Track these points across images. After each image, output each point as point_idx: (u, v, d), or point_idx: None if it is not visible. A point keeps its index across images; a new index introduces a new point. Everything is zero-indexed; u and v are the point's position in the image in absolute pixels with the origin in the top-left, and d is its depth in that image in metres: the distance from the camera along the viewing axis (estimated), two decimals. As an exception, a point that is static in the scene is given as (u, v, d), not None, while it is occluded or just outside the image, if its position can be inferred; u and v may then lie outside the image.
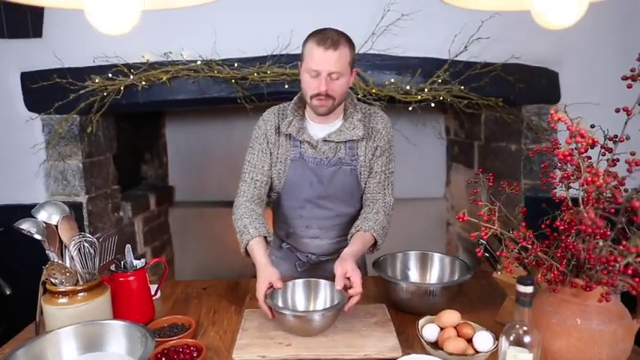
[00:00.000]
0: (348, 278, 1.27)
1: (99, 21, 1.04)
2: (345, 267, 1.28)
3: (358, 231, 1.46)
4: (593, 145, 0.90)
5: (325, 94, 1.38)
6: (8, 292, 2.15)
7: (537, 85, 2.29)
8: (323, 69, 1.35)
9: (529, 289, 0.82)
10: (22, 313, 1.37)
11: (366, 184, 1.58)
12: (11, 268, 2.12)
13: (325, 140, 1.51)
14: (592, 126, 0.94)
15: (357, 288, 1.25)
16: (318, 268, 1.67)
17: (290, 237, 1.65)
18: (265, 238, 1.43)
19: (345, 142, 1.51)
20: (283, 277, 1.33)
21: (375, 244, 1.50)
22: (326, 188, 1.54)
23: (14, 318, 1.46)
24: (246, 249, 1.42)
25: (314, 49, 1.35)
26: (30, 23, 2.18)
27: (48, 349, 1.00)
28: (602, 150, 0.96)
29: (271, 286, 1.27)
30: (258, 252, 1.37)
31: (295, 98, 1.54)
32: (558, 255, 0.94)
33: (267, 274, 1.29)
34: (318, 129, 1.52)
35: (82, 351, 1.03)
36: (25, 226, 1.13)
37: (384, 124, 1.56)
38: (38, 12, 2.17)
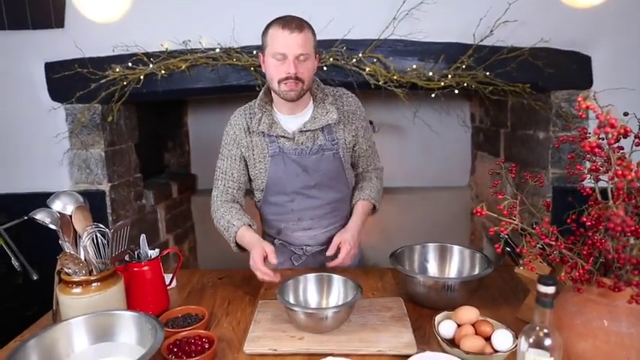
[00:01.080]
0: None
1: (87, 7, 1.02)
2: (342, 237, 1.44)
3: (357, 202, 1.59)
4: (625, 135, 0.84)
5: (295, 77, 1.37)
6: (35, 278, 2.23)
7: (568, 70, 2.18)
8: (290, 52, 1.35)
9: (551, 290, 0.77)
10: (50, 297, 1.40)
11: (354, 163, 1.66)
12: (37, 254, 2.18)
13: (301, 131, 1.49)
14: (625, 114, 0.87)
15: (338, 259, 1.41)
16: (313, 259, 1.66)
17: (282, 233, 1.64)
18: (250, 226, 1.49)
19: (322, 128, 1.50)
20: (282, 270, 1.35)
21: (374, 208, 1.65)
22: (312, 177, 1.52)
23: (42, 302, 1.50)
24: (236, 243, 1.49)
25: (278, 33, 1.35)
26: (53, 14, 2.20)
27: (59, 340, 1.00)
28: (636, 140, 0.89)
29: (265, 256, 1.34)
30: (248, 235, 1.44)
31: (260, 94, 1.53)
32: (584, 252, 0.88)
33: (260, 246, 1.37)
34: (290, 121, 1.51)
35: (93, 341, 1.04)
36: (40, 216, 1.14)
37: (356, 104, 1.59)
38: (60, 2, 2.19)
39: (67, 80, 2.22)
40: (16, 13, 2.18)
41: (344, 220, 1.60)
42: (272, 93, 1.51)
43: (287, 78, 1.37)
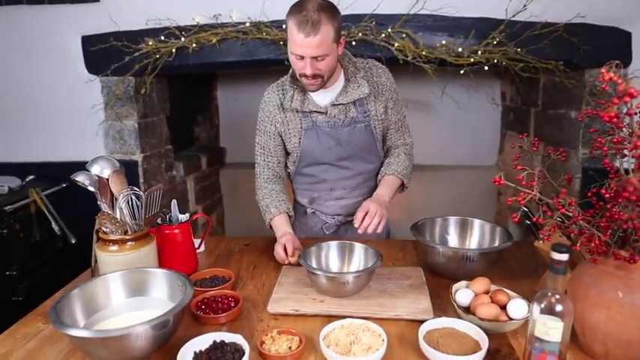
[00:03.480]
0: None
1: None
2: (367, 206, 1.40)
3: (383, 176, 1.58)
4: (649, 108, 0.83)
5: (312, 75, 1.38)
6: (73, 241, 2.36)
7: (605, 46, 2.11)
8: (306, 54, 1.33)
9: (563, 257, 0.79)
10: (87, 260, 1.49)
11: (383, 136, 1.63)
12: (75, 220, 2.31)
13: (333, 104, 1.51)
14: (653, 87, 0.86)
15: (363, 224, 1.38)
16: (345, 228, 1.70)
17: (314, 202, 1.68)
18: (287, 214, 1.56)
19: (354, 101, 1.51)
20: (313, 238, 1.40)
21: (402, 185, 1.63)
22: (345, 149, 1.55)
23: (79, 264, 1.59)
24: (269, 225, 1.59)
25: (295, 34, 1.31)
26: (89, -13, 2.26)
27: (99, 291, 1.08)
28: (661, 114, 0.88)
29: (285, 249, 1.42)
30: (280, 225, 1.53)
31: (291, 71, 1.53)
32: (602, 224, 0.89)
33: (284, 238, 1.45)
34: (321, 95, 1.52)
35: (129, 295, 1.11)
36: (80, 178, 1.21)
37: (386, 76, 1.58)
38: (96, -24, 2.25)
39: (102, 53, 2.30)
40: (54, -13, 2.26)
41: (373, 190, 1.62)
42: None
43: (305, 75, 1.39)
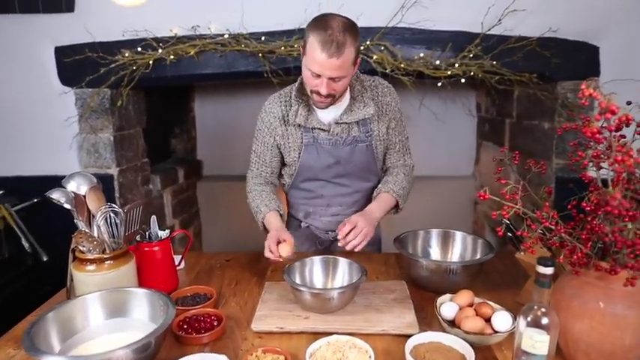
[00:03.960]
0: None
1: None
2: (355, 220, 1.38)
3: (379, 193, 1.54)
4: (627, 123, 0.86)
5: (326, 95, 1.35)
6: (45, 259, 2.28)
7: (575, 60, 2.18)
8: (325, 74, 1.30)
9: (549, 270, 0.80)
10: (59, 278, 1.43)
11: (383, 156, 1.61)
12: (47, 236, 2.23)
13: (337, 123, 1.49)
14: (628, 103, 0.89)
15: (347, 238, 1.37)
16: (338, 244, 1.68)
17: (309, 216, 1.67)
18: (278, 212, 1.52)
19: (357, 120, 1.49)
20: (304, 252, 1.36)
21: (397, 205, 1.57)
22: (344, 167, 1.54)
23: (51, 282, 1.54)
24: (264, 227, 1.53)
25: (317, 52, 1.26)
26: (63, -3, 2.22)
27: (77, 313, 1.05)
28: (638, 129, 0.91)
29: (279, 242, 1.36)
30: (273, 221, 1.48)
31: (297, 84, 1.50)
32: (583, 237, 0.91)
33: (276, 232, 1.40)
34: (325, 112, 1.49)
35: (108, 316, 1.08)
36: (55, 195, 1.17)
37: (391, 95, 1.55)
38: (70, -14, 2.21)
39: (77, 64, 2.24)
40: (27, -4, 2.20)
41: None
42: None
43: (318, 93, 1.36)
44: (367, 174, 1.59)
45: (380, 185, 1.57)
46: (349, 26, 1.29)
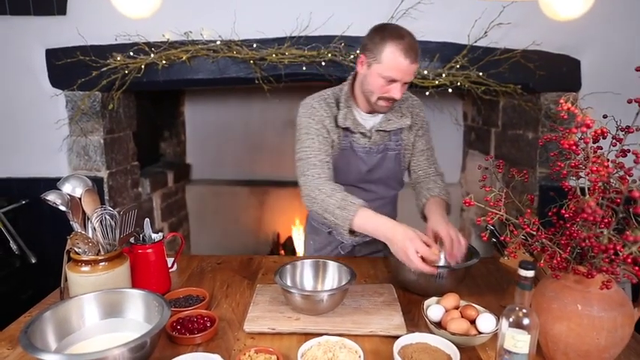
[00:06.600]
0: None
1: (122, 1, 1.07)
2: (453, 234, 1.33)
3: (428, 199, 1.54)
4: (604, 136, 0.91)
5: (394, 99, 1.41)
6: (33, 261, 2.27)
7: (558, 72, 2.26)
8: (405, 79, 1.36)
9: (530, 273, 0.84)
10: (47, 280, 1.44)
11: (411, 164, 1.64)
12: (36, 238, 2.22)
13: (377, 130, 1.54)
14: (604, 116, 0.94)
15: (456, 251, 1.32)
16: (360, 249, 1.72)
17: None
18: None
19: (394, 130, 1.55)
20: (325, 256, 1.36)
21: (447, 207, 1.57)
22: (373, 174, 1.58)
23: (39, 285, 1.54)
24: (349, 227, 1.32)
25: (399, 59, 1.31)
26: (55, 1, 2.23)
27: (72, 313, 1.06)
28: (613, 140, 0.96)
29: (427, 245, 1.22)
30: (378, 216, 1.30)
31: (346, 89, 1.52)
32: (562, 242, 0.96)
33: (410, 233, 1.22)
34: (367, 119, 1.54)
35: (103, 316, 1.09)
36: (51, 197, 1.18)
37: (420, 107, 1.63)
38: (62, -11, 2.22)
39: (68, 67, 2.26)
40: (19, -1, 2.21)
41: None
42: (355, 89, 1.52)
43: (388, 99, 1.40)
44: (393, 182, 1.65)
45: (426, 192, 1.56)
46: (413, 35, 1.38)
